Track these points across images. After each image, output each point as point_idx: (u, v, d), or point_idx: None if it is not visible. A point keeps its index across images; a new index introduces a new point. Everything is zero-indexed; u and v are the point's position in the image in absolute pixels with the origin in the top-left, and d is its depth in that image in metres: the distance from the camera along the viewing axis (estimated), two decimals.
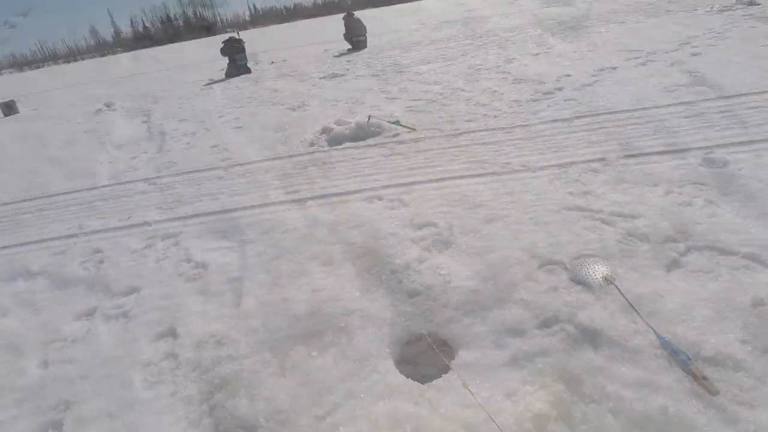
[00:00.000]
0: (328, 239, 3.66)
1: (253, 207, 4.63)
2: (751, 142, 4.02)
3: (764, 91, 5.09)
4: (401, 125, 6.01)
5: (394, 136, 5.72)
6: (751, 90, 5.19)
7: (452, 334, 2.47)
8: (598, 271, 1.84)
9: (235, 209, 4.65)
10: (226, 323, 2.96)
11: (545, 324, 2.41)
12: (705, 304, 2.34)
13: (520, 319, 2.46)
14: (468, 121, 5.86)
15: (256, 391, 2.38)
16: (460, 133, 5.35)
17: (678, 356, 1.60)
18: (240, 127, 7.82)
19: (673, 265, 2.64)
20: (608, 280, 1.78)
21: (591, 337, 2.27)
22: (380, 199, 4.15)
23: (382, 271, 3.11)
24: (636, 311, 1.64)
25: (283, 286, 3.21)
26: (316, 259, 3.43)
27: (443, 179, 4.27)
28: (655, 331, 1.59)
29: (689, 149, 4.05)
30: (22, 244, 4.99)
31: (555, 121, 5.28)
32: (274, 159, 5.88)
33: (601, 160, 4.04)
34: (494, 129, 5.31)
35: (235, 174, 5.65)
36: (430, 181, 4.30)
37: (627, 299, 1.64)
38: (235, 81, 13.73)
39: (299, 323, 2.82)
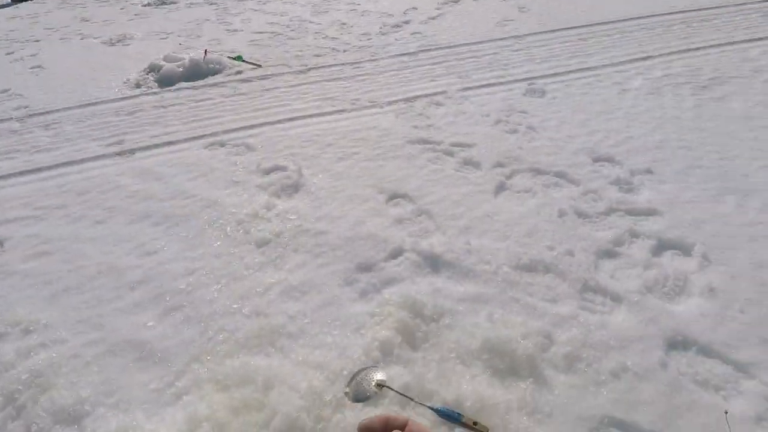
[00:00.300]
0: (162, 195, 3.26)
1: (63, 165, 3.89)
2: (565, 73, 4.58)
3: (576, 27, 5.78)
4: (244, 61, 5.49)
5: (237, 73, 5.21)
6: (568, 25, 5.85)
7: (301, 279, 2.44)
8: (371, 380, 1.92)
9: (39, 169, 3.86)
10: (34, 307, 2.50)
11: (392, 255, 2.51)
12: (523, 219, 2.67)
13: (368, 255, 2.53)
14: (317, 56, 5.59)
15: (78, 378, 2.09)
16: (309, 69, 5.10)
17: (450, 417, 1.81)
18: (39, 67, 6.38)
19: (500, 188, 2.94)
20: (380, 385, 1.92)
21: (432, 261, 2.44)
22: (223, 145, 3.80)
23: (226, 224, 2.89)
24: (410, 398, 1.77)
25: (110, 252, 2.80)
26: (148, 218, 3.04)
27: (292, 119, 4.06)
28: (430, 407, 1.77)
29: (516, 81, 4.46)
30: None
31: (402, 55, 5.34)
32: (88, 105, 4.95)
33: (443, 93, 4.24)
34: (344, 64, 5.16)
35: (35, 126, 4.64)
36: (279, 122, 4.05)
37: (398, 392, 1.76)
38: (28, 6, 11.02)
39: (134, 291, 2.51)
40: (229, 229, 2.85)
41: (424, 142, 3.48)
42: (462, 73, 4.69)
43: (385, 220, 2.75)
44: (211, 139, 3.87)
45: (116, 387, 2.04)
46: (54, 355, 2.21)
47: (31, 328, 2.37)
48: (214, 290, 2.44)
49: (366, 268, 2.45)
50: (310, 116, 4.08)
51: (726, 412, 1.65)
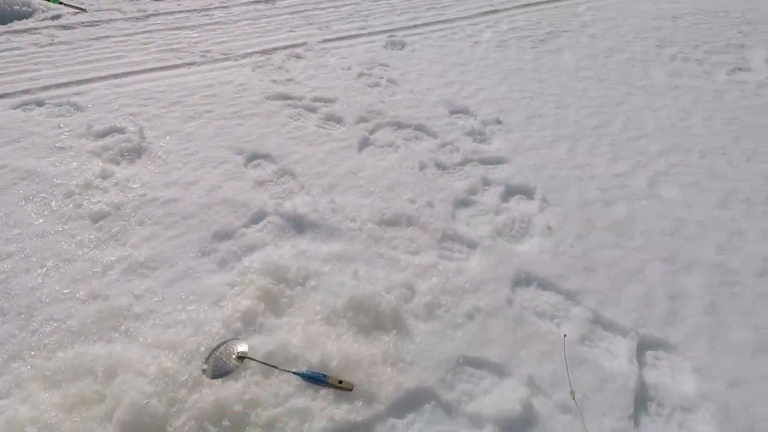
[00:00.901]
0: None
1: None
2: (423, 25, 4.60)
3: None
4: (64, 4, 4.54)
5: (54, 18, 4.28)
6: None
7: (149, 254, 2.14)
8: (232, 353, 1.83)
9: None
10: None
11: (253, 220, 2.33)
12: (386, 174, 2.66)
13: (227, 221, 2.31)
14: (157, 0, 4.85)
15: None
16: (148, 16, 4.39)
17: (315, 379, 1.77)
18: None
19: (363, 143, 2.89)
20: (241, 357, 1.82)
21: (296, 223, 2.32)
22: (41, 104, 3.12)
23: (51, 197, 2.40)
24: (273, 366, 1.70)
25: None
26: None
27: (130, 74, 3.47)
28: (294, 372, 1.71)
29: (377, 32, 4.37)
30: None
31: (257, 2, 4.87)
32: None
33: (303, 45, 3.98)
34: (190, 11, 4.55)
35: None
36: (113, 76, 3.44)
37: (261, 361, 1.70)
38: None
39: None
40: (54, 203, 2.37)
41: (284, 97, 3.24)
42: (322, 23, 4.44)
43: (244, 183, 2.53)
44: (23, 98, 3.14)
45: None
46: None
47: None
48: (37, 276, 2.02)
49: (224, 235, 2.23)
50: (152, 70, 3.53)
51: (564, 336, 1.85)
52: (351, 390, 1.66)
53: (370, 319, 1.89)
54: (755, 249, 2.31)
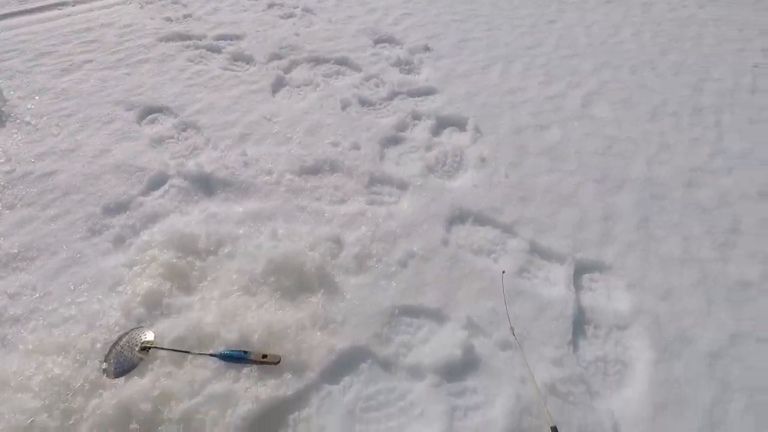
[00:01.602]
0: None
1: None
2: None
3: None
4: None
5: None
6: None
7: (23, 243, 1.74)
8: (135, 345, 1.51)
9: None
10: None
11: (152, 185, 1.94)
12: (305, 117, 2.31)
13: (119, 191, 1.91)
14: None
15: None
16: None
17: (236, 358, 1.48)
18: None
19: (278, 84, 2.48)
20: (145, 348, 1.49)
21: (203, 183, 1.96)
22: None
23: None
24: (185, 351, 1.41)
25: None
26: None
27: None
28: (211, 355, 1.43)
29: None
30: None
31: None
32: None
33: None
34: None
35: None
36: None
37: (170, 349, 1.41)
38: None
39: None
40: None
41: (182, 37, 2.71)
42: None
43: (138, 143, 2.10)
44: None
45: None
46: None
47: None
48: None
49: (118, 208, 1.85)
50: (12, 15, 2.82)
51: (503, 272, 1.69)
52: (277, 363, 1.44)
53: (294, 281, 1.64)
54: (682, 161, 2.22)
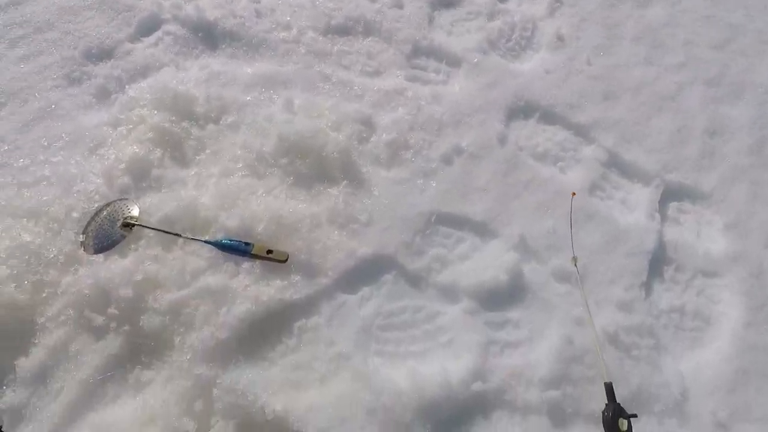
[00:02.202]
0: None
1: None
2: None
3: None
4: None
5: None
6: None
7: None
8: (118, 220, 1.16)
9: None
10: None
11: (142, 29, 1.51)
12: None
13: (103, 33, 1.50)
14: None
15: None
16: None
17: (235, 249, 1.16)
18: None
19: None
20: (128, 224, 1.15)
21: (206, 33, 1.53)
22: None
23: None
24: (176, 234, 1.12)
25: None
26: None
27: None
28: (207, 242, 1.15)
29: None
30: None
31: None
32: None
33: None
34: None
35: None
36: None
37: (158, 229, 1.15)
38: None
39: None
40: None
41: None
42: None
43: None
44: None
45: None
46: None
47: None
48: None
49: (100, 54, 1.46)
50: None
51: (573, 194, 1.30)
52: (284, 261, 1.16)
53: (311, 166, 1.30)
54: None
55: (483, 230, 1.27)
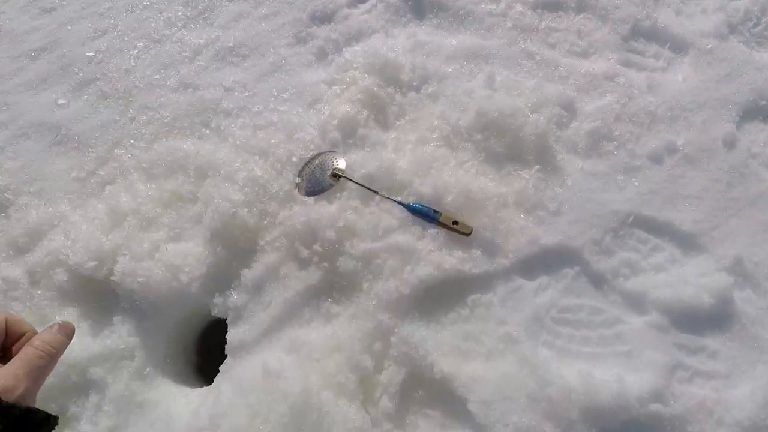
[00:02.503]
0: None
1: None
2: None
3: None
4: None
5: None
6: None
7: (238, 38, 1.63)
8: (327, 169, 1.31)
9: None
10: None
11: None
12: None
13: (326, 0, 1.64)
14: None
15: None
16: None
17: (424, 214, 1.21)
18: None
19: None
20: (336, 175, 1.30)
21: (415, 3, 1.56)
22: None
23: None
24: (374, 191, 1.22)
25: (1, 12, 1.96)
26: None
27: None
28: (400, 203, 1.23)
29: None
30: None
31: None
32: None
33: None
34: None
35: None
36: None
37: (360, 184, 1.28)
38: None
39: (36, 62, 1.79)
40: None
41: None
42: None
43: None
44: None
45: (36, 174, 1.56)
46: None
47: None
48: (130, 57, 1.70)
49: (323, 17, 1.60)
50: None
51: None
52: (468, 234, 1.19)
53: (505, 145, 1.28)
54: None
55: (689, 243, 1.13)
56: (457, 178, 1.25)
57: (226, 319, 1.32)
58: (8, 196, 1.54)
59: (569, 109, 1.31)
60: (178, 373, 1.38)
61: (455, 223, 1.21)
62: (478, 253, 1.18)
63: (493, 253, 1.18)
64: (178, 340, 1.42)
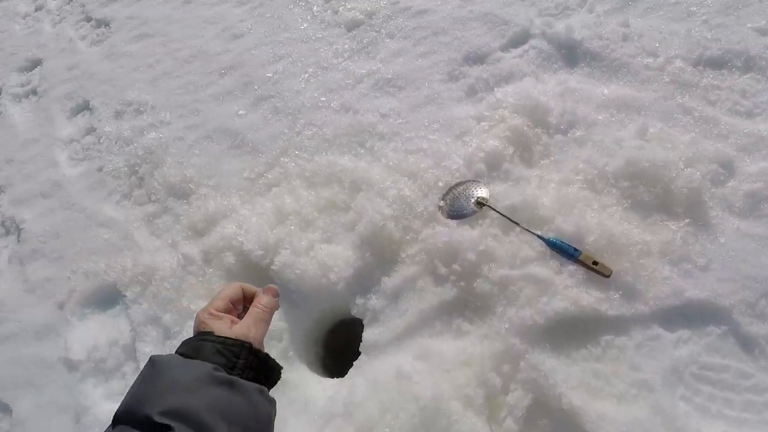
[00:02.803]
0: None
1: None
2: None
3: None
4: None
5: None
6: None
7: (396, 71, 1.85)
8: (471, 197, 1.43)
9: None
10: (142, 89, 2.32)
11: (512, 42, 1.75)
12: None
13: (481, 42, 1.79)
14: None
15: (183, 158, 1.96)
16: None
17: (564, 251, 1.26)
18: None
19: None
20: (481, 203, 1.41)
21: (568, 51, 1.66)
22: None
23: (312, 2, 2.24)
24: (515, 222, 1.33)
25: (199, 36, 2.41)
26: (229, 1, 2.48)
27: None
28: (540, 236, 1.29)
29: None
30: None
31: None
32: None
33: None
34: None
35: None
36: None
37: (503, 214, 1.37)
38: None
39: (223, 78, 2.18)
40: (315, 8, 2.22)
41: None
42: None
43: None
44: None
45: (215, 171, 1.89)
46: (161, 135, 2.09)
47: (141, 108, 2.25)
48: (301, 80, 2.00)
49: (477, 58, 1.76)
50: None
51: None
52: (608, 276, 1.23)
53: (655, 195, 1.30)
54: None
55: None
56: (600, 220, 1.30)
57: (354, 320, 1.48)
58: (192, 186, 1.88)
59: (727, 167, 1.29)
60: (310, 362, 1.57)
61: (595, 263, 1.25)
62: (617, 296, 1.21)
63: (632, 299, 1.20)
64: (313, 332, 1.61)
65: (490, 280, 1.31)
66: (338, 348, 1.65)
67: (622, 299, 1.21)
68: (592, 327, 1.22)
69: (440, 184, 1.50)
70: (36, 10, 3.20)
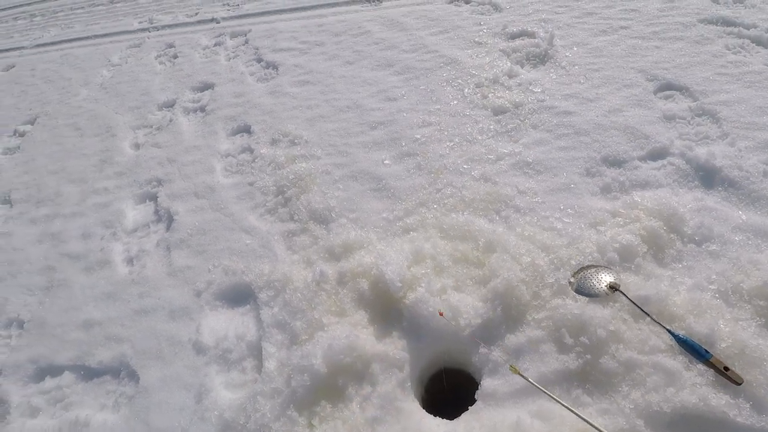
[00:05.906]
0: (404, 46, 3.15)
1: (321, 6, 4.02)
2: None
3: None
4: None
5: None
6: None
7: (536, 157, 2.15)
8: (602, 280, 1.63)
9: (303, 8, 4.07)
10: (299, 125, 2.79)
11: (651, 155, 2.01)
12: None
13: (621, 149, 2.07)
14: None
15: (327, 190, 2.31)
16: None
17: (695, 350, 1.39)
18: None
19: None
20: (614, 287, 1.59)
21: (706, 174, 1.88)
22: (468, 1, 3.40)
23: (464, 84, 2.67)
24: (646, 313, 1.50)
25: (357, 92, 2.89)
26: (391, 67, 3.00)
27: None
28: (670, 331, 1.42)
29: None
30: (101, 36, 4.84)
31: None
32: None
33: None
34: None
35: None
36: None
37: (634, 302, 1.52)
38: None
39: (374, 131, 2.59)
40: (466, 90, 2.64)
41: (726, 23, 2.53)
42: None
43: (650, 113, 2.18)
44: None
45: (356, 206, 2.20)
46: (311, 166, 2.47)
47: (296, 141, 2.68)
48: (446, 147, 2.35)
49: (615, 162, 2.03)
50: None
51: None
52: (739, 384, 1.33)
53: None
54: None
55: None
56: (732, 330, 1.43)
57: (458, 371, 1.63)
58: (333, 215, 2.19)
59: None
60: (419, 396, 1.71)
61: (726, 368, 1.36)
62: (747, 405, 1.30)
63: (762, 411, 1.29)
64: (426, 371, 1.77)
65: (617, 359, 1.44)
66: (437, 391, 1.79)
67: (752, 410, 1.30)
68: (717, 429, 1.30)
69: (573, 262, 1.70)
70: (215, 45, 3.96)
